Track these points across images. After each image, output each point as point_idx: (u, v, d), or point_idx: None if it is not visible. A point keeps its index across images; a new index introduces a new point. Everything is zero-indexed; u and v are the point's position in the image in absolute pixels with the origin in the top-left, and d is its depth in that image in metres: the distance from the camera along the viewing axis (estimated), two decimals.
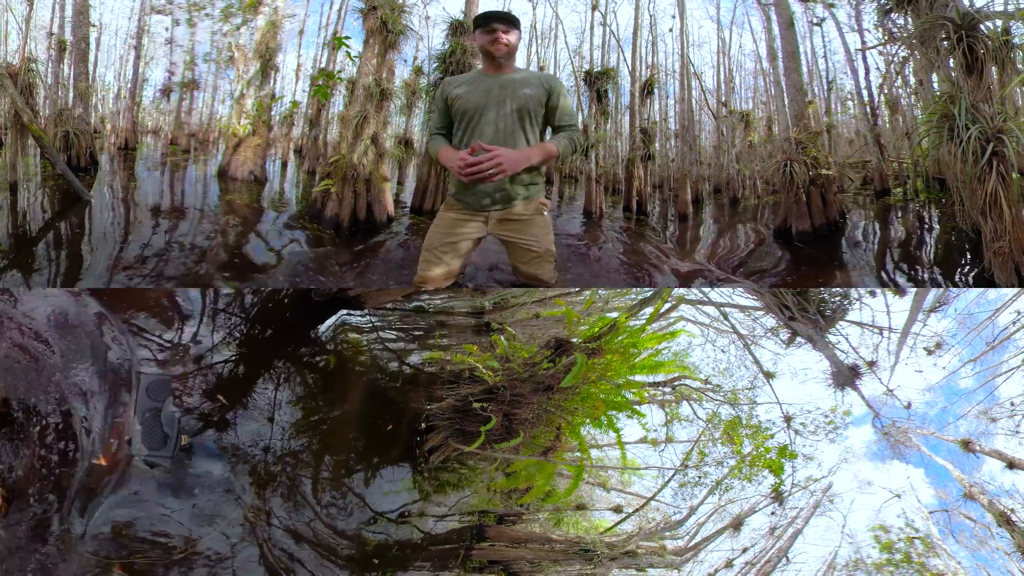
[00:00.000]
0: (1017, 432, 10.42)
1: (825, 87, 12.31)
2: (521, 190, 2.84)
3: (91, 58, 9.88)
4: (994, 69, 4.18)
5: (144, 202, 7.23)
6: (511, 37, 2.79)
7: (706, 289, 7.27)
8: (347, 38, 6.98)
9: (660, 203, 11.60)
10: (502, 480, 7.85)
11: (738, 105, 14.33)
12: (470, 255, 2.99)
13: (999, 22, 4.56)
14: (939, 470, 11.64)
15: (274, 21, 9.79)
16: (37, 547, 2.17)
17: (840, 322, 6.63)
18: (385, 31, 6.48)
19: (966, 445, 10.77)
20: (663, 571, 9.63)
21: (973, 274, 5.00)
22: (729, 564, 10.35)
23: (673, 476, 10.69)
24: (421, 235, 6.69)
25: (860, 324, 7.35)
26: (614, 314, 5.82)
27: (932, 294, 8.39)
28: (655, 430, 10.41)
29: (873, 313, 7.77)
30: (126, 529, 2.48)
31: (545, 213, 2.95)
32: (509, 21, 2.79)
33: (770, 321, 8.02)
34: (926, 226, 7.38)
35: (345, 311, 5.08)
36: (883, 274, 5.54)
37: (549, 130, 2.98)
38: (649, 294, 6.42)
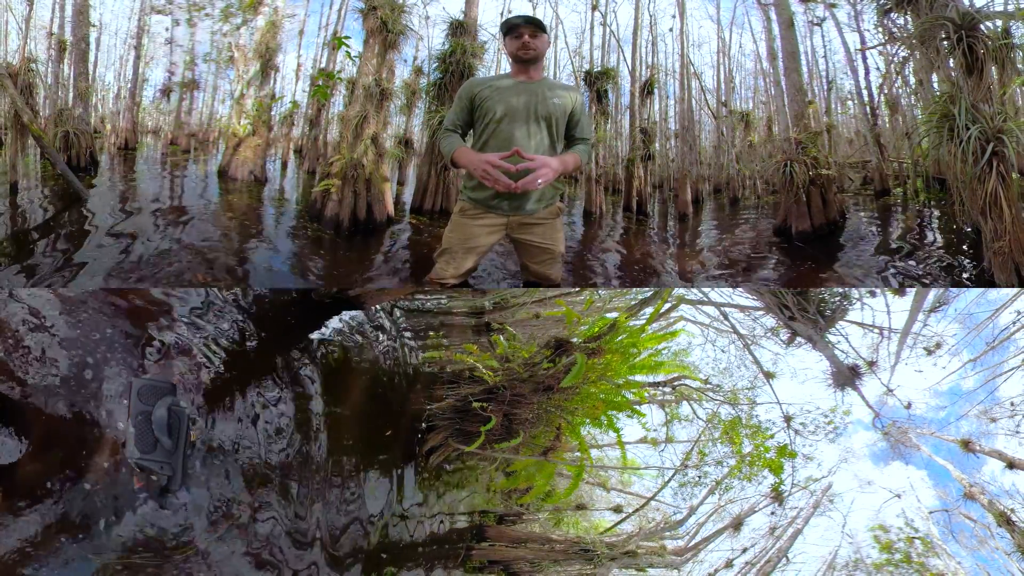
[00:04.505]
0: (1017, 432, 10.43)
1: (825, 87, 12.32)
2: (546, 195, 2.86)
3: (91, 58, 9.89)
4: (994, 69, 4.17)
5: (144, 202, 7.23)
6: (538, 41, 2.80)
7: (706, 289, 7.28)
8: (347, 38, 6.98)
9: (660, 203, 11.60)
10: (502, 480, 7.85)
11: (738, 105, 14.33)
12: (486, 255, 3.01)
13: (999, 22, 4.56)
14: (939, 470, 11.65)
15: (274, 21, 9.78)
16: (39, 548, 2.17)
17: (840, 322, 6.63)
18: (385, 31, 6.47)
19: (966, 445, 10.77)
20: (663, 571, 9.64)
21: (973, 274, 5.00)
22: (729, 564, 10.37)
23: (673, 476, 10.71)
24: (421, 235, 6.71)
25: (860, 324, 7.36)
26: (614, 314, 5.82)
27: (932, 294, 8.40)
28: (655, 430, 10.43)
29: (873, 313, 7.78)
30: (127, 531, 2.48)
31: (560, 216, 3.00)
32: (535, 24, 2.80)
33: (770, 321, 8.03)
34: (926, 226, 7.38)
35: (345, 311, 5.08)
36: (883, 274, 5.53)
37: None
38: (649, 294, 6.42)
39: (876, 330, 7.47)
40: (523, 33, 2.77)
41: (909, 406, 9.43)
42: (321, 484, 3.93)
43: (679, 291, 6.81)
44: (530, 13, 4.06)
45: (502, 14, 12.30)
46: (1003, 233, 3.94)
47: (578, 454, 6.04)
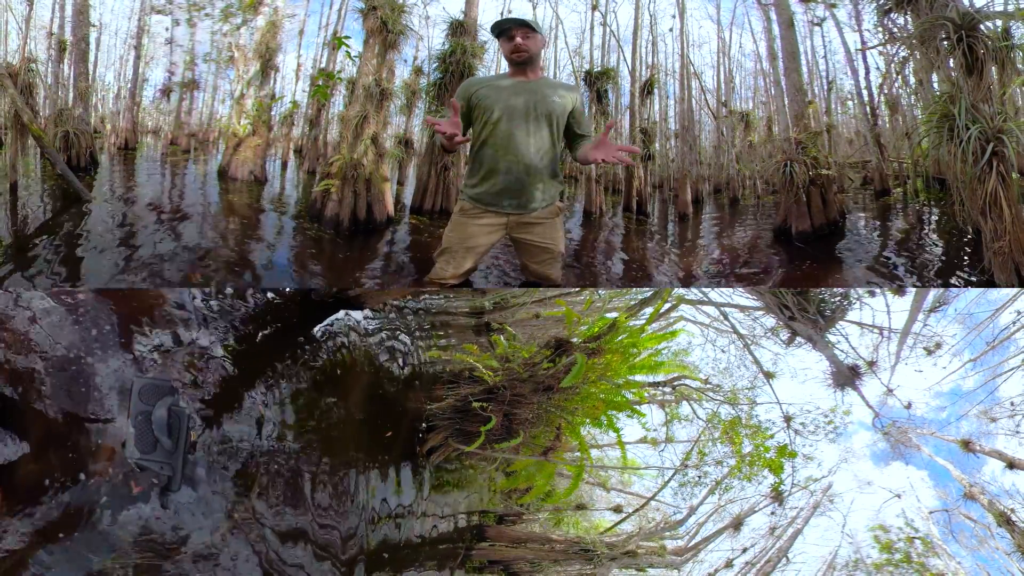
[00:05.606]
0: (1017, 432, 10.43)
1: (825, 87, 12.32)
2: (546, 194, 2.86)
3: (91, 58, 9.88)
4: (994, 69, 4.17)
5: (144, 202, 7.23)
6: (531, 42, 2.78)
7: (706, 289, 7.28)
8: (347, 38, 6.99)
9: (660, 203, 11.60)
10: (502, 480, 7.86)
11: (738, 105, 14.32)
12: (486, 255, 3.01)
13: (999, 22, 4.56)
14: (939, 470, 11.65)
15: (274, 21, 9.79)
16: (39, 548, 2.17)
17: (840, 322, 6.63)
18: (385, 31, 6.47)
19: (966, 445, 10.78)
20: (663, 571, 9.65)
21: (973, 274, 5.00)
22: (729, 564, 10.38)
23: (673, 476, 10.72)
24: (421, 235, 6.71)
25: (860, 324, 7.36)
26: (614, 314, 5.82)
27: (932, 294, 8.40)
28: (655, 430, 10.45)
29: (873, 313, 7.78)
30: (127, 531, 2.48)
31: (560, 215, 3.00)
32: (525, 25, 2.78)
33: (770, 321, 8.03)
34: (926, 226, 7.38)
35: (345, 311, 5.08)
36: (883, 274, 5.53)
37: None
38: (649, 294, 6.42)
39: (876, 330, 7.48)
40: (515, 35, 2.75)
41: (909, 406, 9.44)
42: (321, 484, 3.93)
43: (679, 291, 6.81)
44: (529, 13, 4.07)
45: (502, 14, 12.27)
46: (1003, 233, 3.94)
47: (578, 454, 6.04)
